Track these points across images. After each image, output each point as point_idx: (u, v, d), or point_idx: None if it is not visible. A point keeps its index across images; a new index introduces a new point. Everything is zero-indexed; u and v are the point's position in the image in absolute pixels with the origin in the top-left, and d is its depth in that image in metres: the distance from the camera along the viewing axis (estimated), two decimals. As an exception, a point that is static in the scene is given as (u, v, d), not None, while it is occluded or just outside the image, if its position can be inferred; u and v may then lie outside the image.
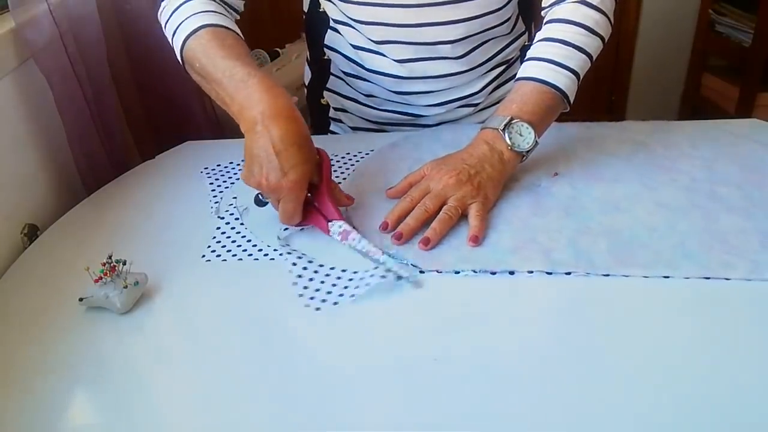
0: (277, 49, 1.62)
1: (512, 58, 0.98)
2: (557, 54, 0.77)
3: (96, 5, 0.91)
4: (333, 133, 1.06)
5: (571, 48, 0.77)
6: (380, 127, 1.01)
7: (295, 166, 0.65)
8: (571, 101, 0.78)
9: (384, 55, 0.89)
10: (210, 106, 1.17)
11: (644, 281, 0.63)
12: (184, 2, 0.76)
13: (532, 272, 0.64)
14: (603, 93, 2.46)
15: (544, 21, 0.82)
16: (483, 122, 0.79)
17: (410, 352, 0.57)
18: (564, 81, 0.77)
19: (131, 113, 1.05)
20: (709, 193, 0.75)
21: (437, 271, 0.65)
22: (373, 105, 0.99)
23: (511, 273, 0.64)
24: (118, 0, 1.00)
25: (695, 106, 2.37)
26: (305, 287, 0.64)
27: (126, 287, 0.62)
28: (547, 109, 0.77)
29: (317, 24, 0.95)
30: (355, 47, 0.91)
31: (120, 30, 1.02)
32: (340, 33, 0.92)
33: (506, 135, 0.75)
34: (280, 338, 0.60)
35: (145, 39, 1.03)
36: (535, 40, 0.81)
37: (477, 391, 0.52)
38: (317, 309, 0.62)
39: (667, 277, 0.63)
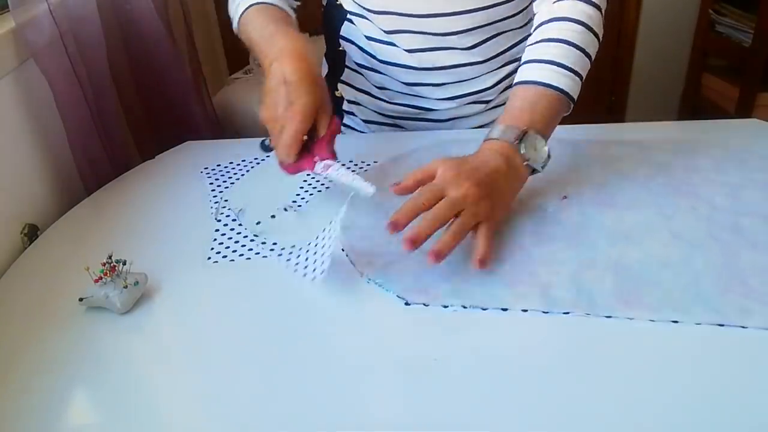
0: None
1: None
2: (557, 54, 0.75)
3: (96, 5, 0.91)
4: (346, 125, 1.07)
5: (568, 46, 0.76)
6: (393, 121, 1.02)
7: (302, 96, 0.68)
8: (575, 103, 0.76)
9: (395, 45, 0.90)
10: (210, 106, 1.16)
11: (650, 325, 0.57)
12: None
13: (526, 310, 0.59)
14: (603, 93, 2.46)
15: (536, 19, 0.81)
16: (490, 126, 0.75)
17: (410, 352, 0.57)
18: (568, 83, 0.75)
19: (131, 113, 1.05)
20: (731, 225, 0.68)
21: (424, 305, 0.61)
22: (385, 98, 0.99)
23: (504, 310, 0.60)
24: (118, 0, 1.01)
25: (695, 106, 2.37)
26: (296, 263, 0.65)
27: (126, 287, 0.62)
28: (555, 115, 0.74)
29: (334, 16, 0.96)
30: (368, 38, 0.92)
31: (120, 30, 1.02)
32: (355, 24, 0.93)
33: (522, 149, 0.70)
34: (279, 338, 0.59)
35: (145, 39, 1.03)
36: (530, 41, 0.79)
37: (477, 391, 0.52)
38: (313, 279, 0.63)
39: (677, 321, 0.57)
